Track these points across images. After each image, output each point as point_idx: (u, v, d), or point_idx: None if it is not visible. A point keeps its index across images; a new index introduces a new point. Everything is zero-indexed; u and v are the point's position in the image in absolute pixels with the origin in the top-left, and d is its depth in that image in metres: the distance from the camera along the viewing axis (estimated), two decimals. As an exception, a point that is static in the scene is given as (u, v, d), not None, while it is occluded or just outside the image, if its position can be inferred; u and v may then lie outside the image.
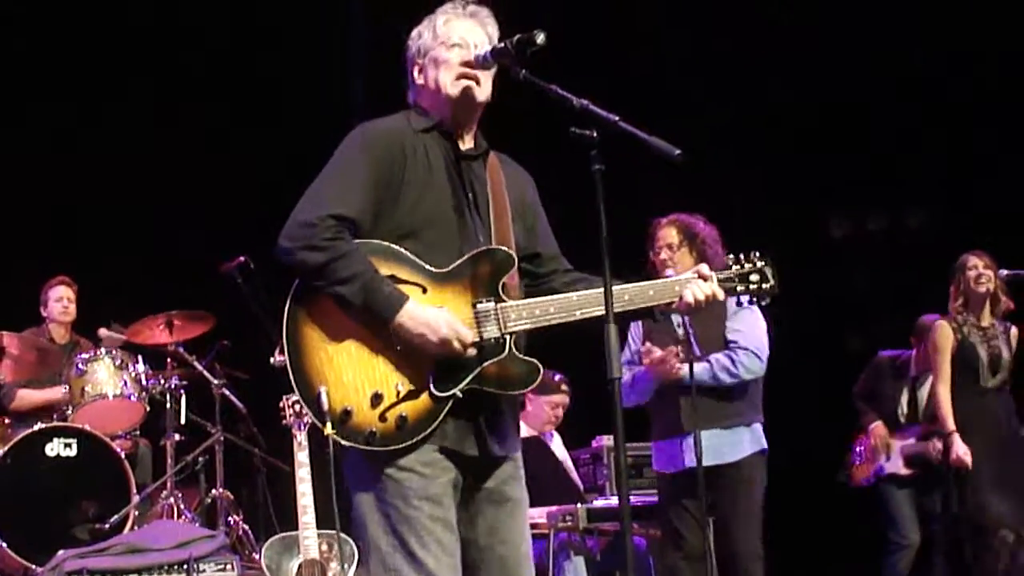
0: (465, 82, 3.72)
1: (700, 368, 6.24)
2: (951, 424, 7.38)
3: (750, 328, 6.38)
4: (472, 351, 3.56)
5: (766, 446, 6.44)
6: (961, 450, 7.31)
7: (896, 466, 8.45)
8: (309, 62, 10.10)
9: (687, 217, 6.47)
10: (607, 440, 8.39)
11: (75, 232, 9.72)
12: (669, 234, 6.41)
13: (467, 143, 3.82)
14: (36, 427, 7.77)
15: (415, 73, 3.83)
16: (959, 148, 10.22)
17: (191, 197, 9.83)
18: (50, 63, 9.86)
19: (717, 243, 6.31)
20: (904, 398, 8.64)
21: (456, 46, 3.74)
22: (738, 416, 6.38)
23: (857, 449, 8.62)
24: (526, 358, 3.63)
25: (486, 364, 3.59)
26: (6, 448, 7.61)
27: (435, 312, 3.53)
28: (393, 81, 3.97)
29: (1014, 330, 7.60)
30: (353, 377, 3.54)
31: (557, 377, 7.89)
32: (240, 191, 9.82)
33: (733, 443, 6.33)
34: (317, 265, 3.51)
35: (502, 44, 3.66)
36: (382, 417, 3.51)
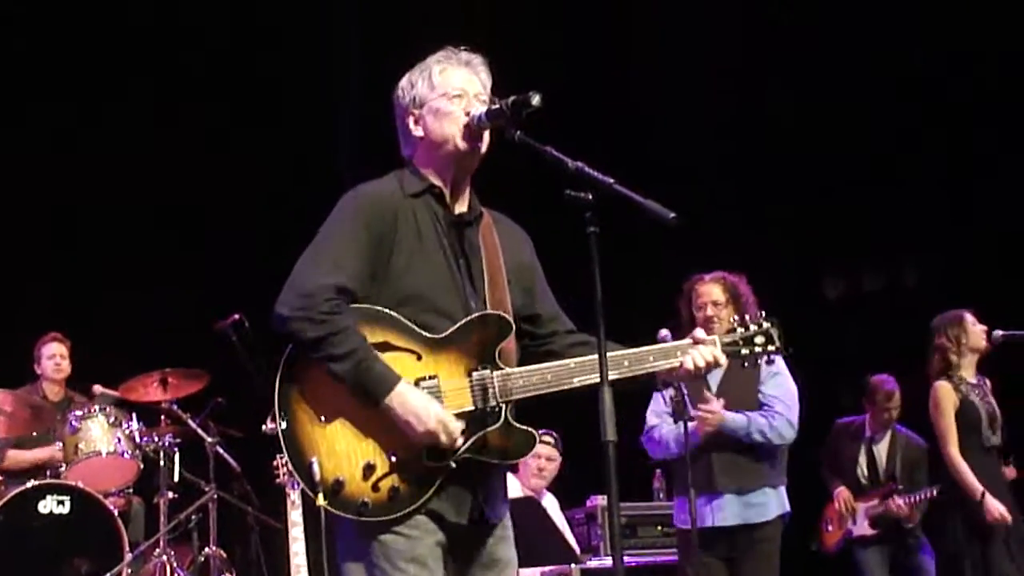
0: (473, 139, 3.69)
1: (737, 419, 6.25)
2: (978, 485, 7.22)
3: (785, 394, 6.40)
4: (459, 442, 3.52)
5: (789, 509, 6.44)
6: (999, 510, 7.18)
7: (863, 528, 8.48)
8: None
9: (731, 275, 6.49)
10: (601, 500, 8.38)
11: (70, 287, 9.70)
12: (714, 291, 6.43)
13: (461, 206, 3.77)
14: (29, 484, 7.74)
15: (410, 124, 3.77)
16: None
17: (186, 254, 9.84)
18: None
19: (755, 306, 6.30)
20: (863, 460, 8.69)
21: (457, 97, 3.70)
22: (767, 478, 6.38)
23: (827, 516, 8.65)
24: (522, 427, 3.61)
25: (481, 433, 3.55)
26: (-1, 505, 7.58)
27: (425, 402, 3.49)
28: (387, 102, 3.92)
29: (988, 383, 7.56)
30: (346, 447, 3.50)
31: (541, 432, 7.88)
32: (236, 248, 9.83)
33: (760, 504, 6.33)
34: (313, 339, 3.48)
35: (497, 105, 3.64)
36: (375, 487, 3.49)
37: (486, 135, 3.71)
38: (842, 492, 8.56)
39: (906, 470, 8.55)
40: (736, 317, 3.90)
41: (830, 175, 10.40)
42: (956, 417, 7.39)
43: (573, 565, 7.36)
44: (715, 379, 6.39)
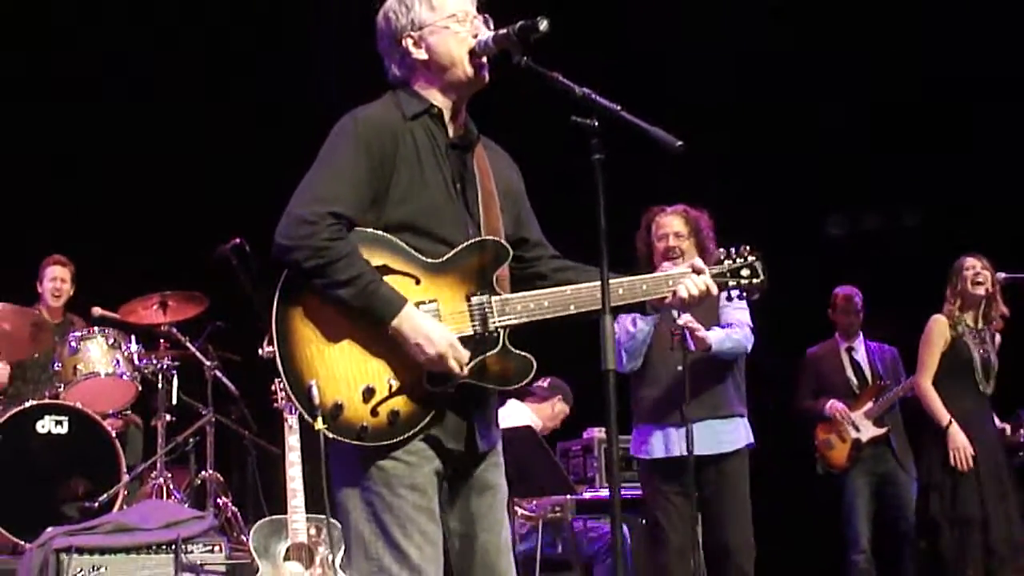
0: (480, 62, 3.65)
1: (714, 333, 6.23)
2: (945, 414, 7.35)
3: (743, 316, 6.41)
4: (465, 372, 3.51)
5: (753, 441, 6.45)
6: (961, 441, 7.28)
7: (870, 430, 8.46)
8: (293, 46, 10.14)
9: (693, 209, 6.46)
10: (598, 432, 8.43)
11: (71, 209, 9.69)
12: (675, 223, 6.40)
13: (457, 129, 3.74)
14: (28, 404, 7.76)
15: (408, 46, 3.70)
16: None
17: (186, 176, 9.82)
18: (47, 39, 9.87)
19: (714, 240, 6.30)
20: (848, 369, 8.76)
21: (464, 20, 3.66)
22: (732, 407, 6.40)
23: (823, 436, 8.62)
24: (520, 352, 3.59)
25: (480, 359, 3.55)
26: (-3, 424, 7.60)
27: (435, 324, 3.49)
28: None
29: (998, 337, 7.59)
30: (345, 371, 3.48)
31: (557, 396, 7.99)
32: (236, 172, 9.80)
33: (729, 432, 6.34)
34: (316, 266, 3.44)
35: (504, 30, 3.59)
36: (374, 412, 3.47)
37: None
38: (835, 404, 8.55)
39: (888, 369, 8.70)
40: (722, 250, 3.90)
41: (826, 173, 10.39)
42: (946, 356, 7.48)
43: (568, 496, 7.40)
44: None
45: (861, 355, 8.81)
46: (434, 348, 3.45)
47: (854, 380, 8.71)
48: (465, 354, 3.50)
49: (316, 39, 10.49)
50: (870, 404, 8.48)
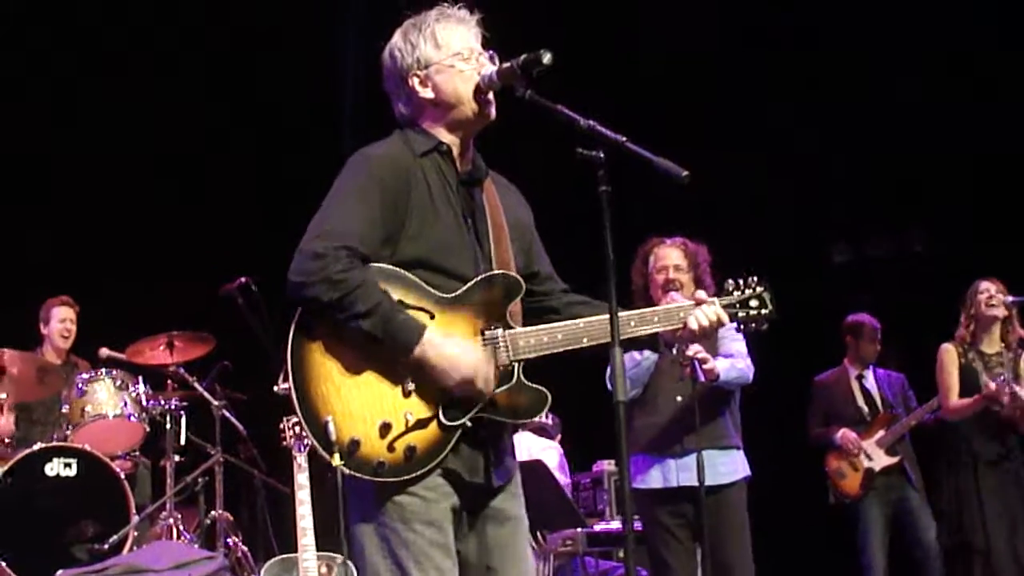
0: (486, 99, 3.67)
1: (719, 363, 6.18)
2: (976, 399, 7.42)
3: (742, 348, 6.36)
4: (489, 389, 3.52)
5: (750, 473, 6.43)
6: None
7: (883, 459, 8.38)
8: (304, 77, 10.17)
9: (691, 242, 6.44)
10: (608, 465, 8.40)
11: (78, 249, 9.70)
12: (674, 255, 6.37)
13: (466, 165, 3.75)
14: (36, 447, 7.74)
15: (414, 85, 3.72)
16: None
17: (193, 217, 9.83)
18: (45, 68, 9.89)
19: (710, 274, 6.29)
20: (859, 397, 8.68)
21: (469, 58, 3.68)
22: (730, 438, 6.36)
23: (834, 465, 8.56)
24: (534, 386, 3.60)
25: (495, 392, 3.55)
26: (6, 468, 7.58)
27: (461, 348, 3.50)
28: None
29: (1012, 355, 7.57)
30: (361, 407, 3.47)
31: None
32: (243, 212, 9.82)
33: (728, 464, 6.31)
34: (332, 300, 3.42)
35: (508, 65, 3.61)
36: (391, 447, 3.45)
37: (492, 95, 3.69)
38: (846, 433, 8.47)
39: (897, 397, 8.65)
40: (730, 281, 3.90)
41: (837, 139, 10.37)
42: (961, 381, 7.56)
43: (579, 529, 7.38)
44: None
45: (871, 383, 8.75)
46: (459, 372, 3.46)
47: (865, 408, 8.64)
48: (491, 374, 3.51)
49: (332, 84, 10.52)
50: (882, 432, 8.44)
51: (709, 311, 3.75)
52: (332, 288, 3.43)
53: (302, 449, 6.93)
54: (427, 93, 3.72)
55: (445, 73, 3.69)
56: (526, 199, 3.95)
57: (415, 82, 3.72)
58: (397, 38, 3.76)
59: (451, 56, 3.68)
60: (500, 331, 3.59)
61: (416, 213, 3.58)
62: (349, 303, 3.42)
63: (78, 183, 9.83)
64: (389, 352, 3.47)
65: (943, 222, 10.29)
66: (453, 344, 3.49)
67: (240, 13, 9.97)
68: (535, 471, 6.48)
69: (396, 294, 3.50)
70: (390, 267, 3.54)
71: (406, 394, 3.49)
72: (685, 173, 3.41)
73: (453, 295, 3.57)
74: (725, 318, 3.79)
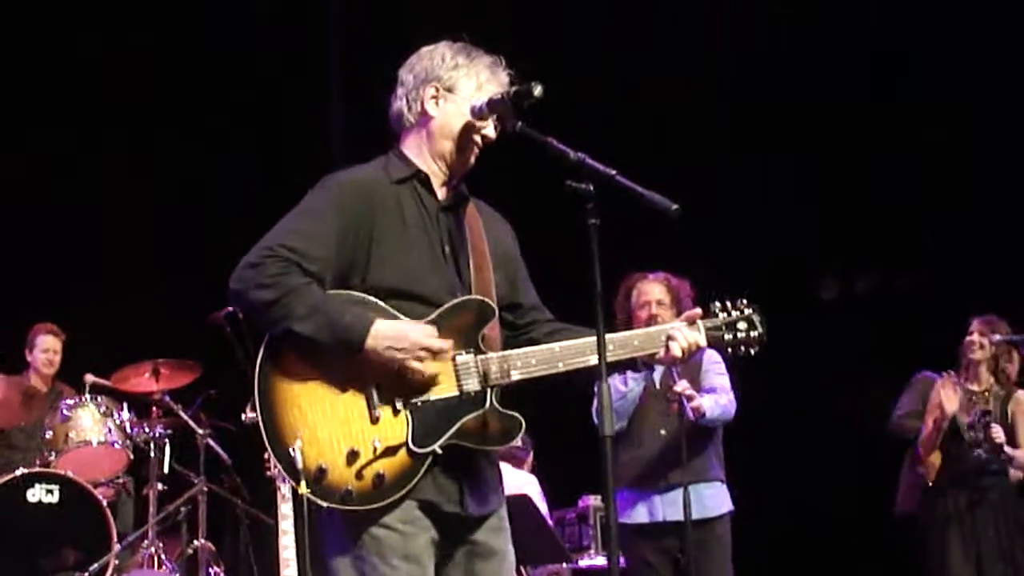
0: (479, 140, 3.68)
1: (704, 399, 6.16)
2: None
3: (725, 382, 6.37)
4: (448, 355, 3.48)
5: (733, 508, 6.40)
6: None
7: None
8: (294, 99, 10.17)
9: (674, 277, 6.43)
10: (593, 500, 8.36)
11: (63, 275, 9.68)
12: (657, 290, 6.34)
13: (445, 193, 3.72)
14: (18, 472, 7.71)
15: (425, 95, 3.69)
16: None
17: (180, 245, 9.81)
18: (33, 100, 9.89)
19: None
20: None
21: (486, 117, 3.66)
22: (714, 471, 6.35)
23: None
24: (507, 412, 3.55)
25: (466, 419, 3.50)
26: (-13, 493, 7.55)
27: (398, 324, 3.44)
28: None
29: (1019, 394, 7.50)
30: (328, 434, 3.43)
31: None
32: (231, 239, 9.79)
33: (713, 497, 6.29)
34: (267, 302, 3.41)
35: (499, 96, 3.60)
36: (359, 475, 3.41)
37: (491, 126, 3.68)
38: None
39: None
40: (717, 303, 3.83)
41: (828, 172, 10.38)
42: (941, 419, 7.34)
43: (564, 564, 7.34)
44: (658, 373, 6.33)
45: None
46: (408, 339, 3.41)
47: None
48: (441, 343, 3.45)
49: (323, 111, 10.54)
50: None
51: (689, 333, 3.69)
52: (265, 291, 3.42)
53: (286, 480, 6.88)
54: (432, 110, 3.69)
55: (456, 106, 3.67)
56: (515, 229, 3.93)
57: (429, 92, 3.69)
58: (444, 47, 3.74)
59: (483, 86, 3.67)
60: (471, 356, 3.54)
61: (384, 239, 3.55)
62: (284, 306, 3.40)
63: (68, 208, 9.82)
64: (355, 372, 3.43)
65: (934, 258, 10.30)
66: (392, 324, 3.44)
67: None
68: (520, 505, 6.44)
69: None
70: (356, 294, 3.51)
71: (374, 420, 3.44)
72: (675, 207, 3.39)
73: (424, 321, 3.52)
74: (703, 341, 3.71)
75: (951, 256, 9.99)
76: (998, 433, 7.24)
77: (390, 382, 3.46)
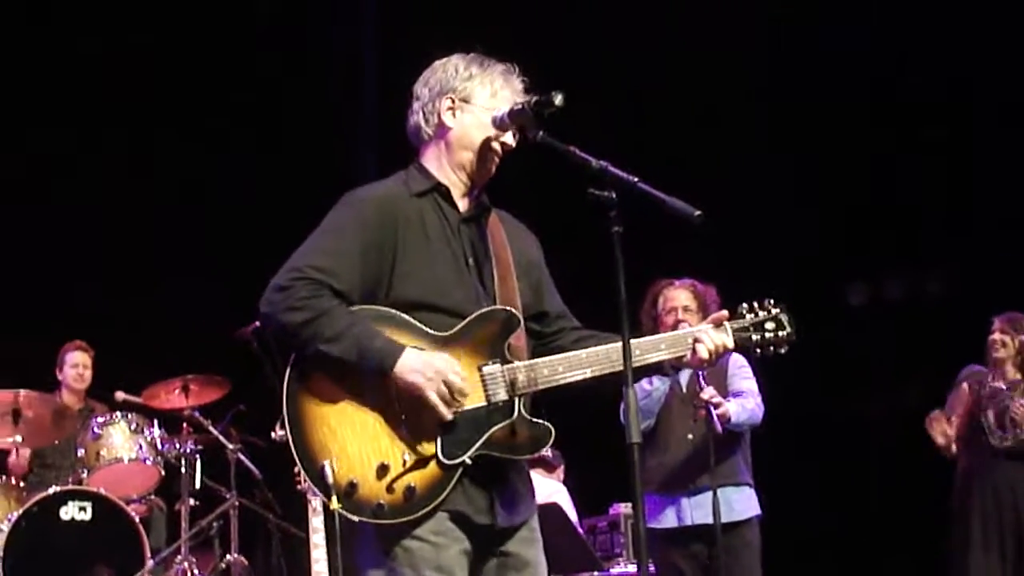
0: (498, 149, 3.68)
1: (731, 404, 6.15)
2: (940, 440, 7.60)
3: (753, 385, 6.37)
4: (464, 396, 3.46)
5: (760, 512, 6.39)
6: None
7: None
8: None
9: (700, 284, 6.42)
10: (624, 508, 8.35)
11: (92, 292, 9.72)
12: (684, 296, 6.34)
13: (466, 204, 3.73)
14: (51, 490, 7.74)
15: (442, 108, 3.69)
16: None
17: (208, 262, 9.85)
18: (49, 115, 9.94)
19: None
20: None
21: (502, 101, 3.66)
22: (742, 475, 6.34)
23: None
24: (537, 420, 3.55)
25: (495, 429, 3.50)
26: (21, 511, 7.58)
27: (424, 356, 3.44)
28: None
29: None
30: (358, 449, 3.44)
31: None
32: (259, 255, 9.82)
33: (741, 501, 6.28)
34: (297, 325, 3.42)
35: (519, 106, 3.60)
36: (389, 488, 3.42)
37: (509, 134, 3.67)
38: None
39: None
40: (744, 305, 3.79)
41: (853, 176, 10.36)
42: (968, 413, 7.60)
43: (596, 573, 7.33)
44: (684, 376, 6.33)
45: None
46: (433, 367, 3.41)
47: None
48: (460, 382, 3.44)
49: (349, 126, 10.56)
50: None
51: (715, 335, 3.67)
52: (294, 313, 3.43)
53: (317, 493, 6.88)
54: (448, 120, 3.69)
55: (473, 116, 3.67)
56: (539, 236, 3.93)
57: (445, 104, 3.69)
58: (457, 59, 3.74)
59: (490, 111, 3.66)
60: (498, 366, 3.54)
61: (407, 252, 3.56)
62: (314, 329, 3.41)
63: (67, 209, 9.84)
64: (383, 389, 3.44)
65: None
66: (419, 354, 3.44)
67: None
68: (550, 514, 6.44)
69: (390, 334, 3.47)
70: (382, 308, 3.52)
71: (403, 434, 3.45)
72: (698, 213, 3.38)
73: (448, 332, 3.53)
74: (730, 342, 3.69)
75: (959, 257, 9.97)
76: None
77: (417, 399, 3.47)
